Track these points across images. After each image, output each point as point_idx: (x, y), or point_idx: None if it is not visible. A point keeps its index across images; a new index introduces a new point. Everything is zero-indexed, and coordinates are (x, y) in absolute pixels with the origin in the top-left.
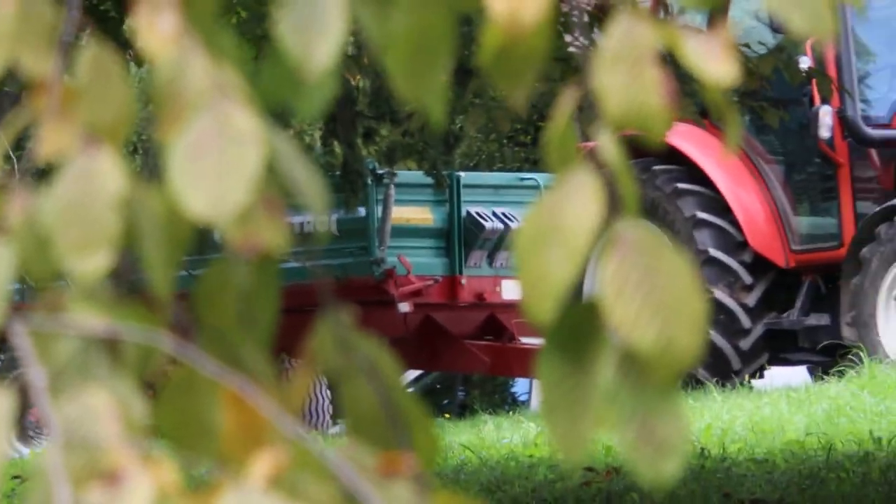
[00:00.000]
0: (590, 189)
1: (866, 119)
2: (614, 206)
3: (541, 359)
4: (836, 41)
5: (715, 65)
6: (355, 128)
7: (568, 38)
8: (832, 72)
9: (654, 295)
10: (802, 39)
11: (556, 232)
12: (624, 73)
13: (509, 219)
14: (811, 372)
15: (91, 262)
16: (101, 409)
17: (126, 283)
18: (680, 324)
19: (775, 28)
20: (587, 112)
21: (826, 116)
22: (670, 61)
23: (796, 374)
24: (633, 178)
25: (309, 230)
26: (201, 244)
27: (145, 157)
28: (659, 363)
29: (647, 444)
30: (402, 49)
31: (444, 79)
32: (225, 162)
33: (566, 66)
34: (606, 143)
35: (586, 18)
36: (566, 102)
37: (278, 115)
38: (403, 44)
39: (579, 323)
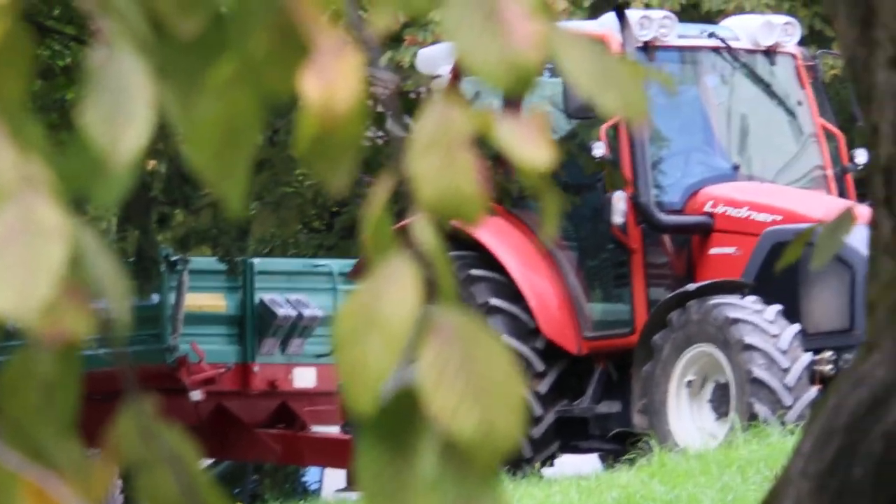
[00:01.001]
0: (407, 276)
1: (659, 205)
2: (431, 292)
3: (360, 448)
4: (643, 123)
5: (530, 149)
6: (150, 214)
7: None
8: (626, 157)
9: (473, 383)
10: (601, 124)
11: (374, 321)
12: (438, 159)
13: (302, 306)
14: (602, 460)
15: None
16: None
17: None
18: (500, 410)
19: (570, 114)
20: (402, 198)
21: (619, 202)
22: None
23: (587, 462)
24: (450, 264)
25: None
26: None
27: None
28: (480, 451)
29: None
30: (207, 136)
31: (247, 167)
32: (30, 257)
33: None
34: (422, 230)
35: (387, 106)
36: (381, 189)
37: (75, 201)
38: (209, 131)
39: (398, 411)
